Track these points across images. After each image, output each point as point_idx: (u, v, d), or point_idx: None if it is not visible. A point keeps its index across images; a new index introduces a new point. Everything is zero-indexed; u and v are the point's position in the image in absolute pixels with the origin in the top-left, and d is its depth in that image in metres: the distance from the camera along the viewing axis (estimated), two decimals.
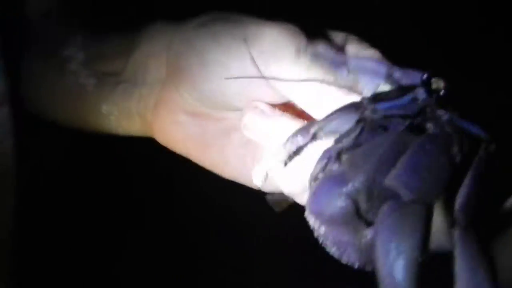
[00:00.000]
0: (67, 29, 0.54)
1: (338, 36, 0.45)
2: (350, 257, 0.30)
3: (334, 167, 0.31)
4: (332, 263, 0.31)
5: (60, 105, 0.54)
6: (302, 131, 0.36)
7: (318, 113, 0.38)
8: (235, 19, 0.44)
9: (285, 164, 0.37)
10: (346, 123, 0.33)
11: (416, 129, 0.31)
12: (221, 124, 0.46)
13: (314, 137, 0.35)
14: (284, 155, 0.36)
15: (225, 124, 0.46)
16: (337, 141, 0.33)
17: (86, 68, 0.52)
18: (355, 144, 0.31)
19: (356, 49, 0.42)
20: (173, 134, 0.47)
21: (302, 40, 0.40)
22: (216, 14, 0.46)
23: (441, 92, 0.31)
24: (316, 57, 0.38)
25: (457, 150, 0.28)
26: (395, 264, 0.25)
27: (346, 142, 0.32)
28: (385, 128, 0.32)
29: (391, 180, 0.27)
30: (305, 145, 0.35)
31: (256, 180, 0.40)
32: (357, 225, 0.29)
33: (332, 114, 0.34)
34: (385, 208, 0.27)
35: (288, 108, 0.44)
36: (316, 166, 0.32)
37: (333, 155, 0.32)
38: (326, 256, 0.31)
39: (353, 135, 0.32)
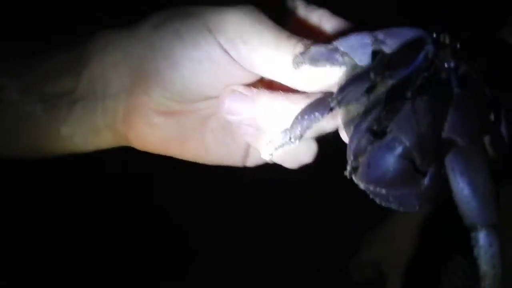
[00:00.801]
0: None
1: (300, 10, 0.48)
2: (411, 206, 0.33)
3: (373, 139, 0.34)
4: None
5: (7, 139, 0.49)
6: (318, 106, 0.37)
7: (295, 83, 0.41)
8: (192, 12, 0.43)
9: (300, 139, 0.38)
10: (359, 92, 0.35)
11: (433, 83, 0.34)
12: (195, 115, 0.47)
13: (331, 110, 0.36)
14: (300, 131, 0.37)
15: (199, 114, 0.47)
16: (364, 115, 0.35)
17: (28, 95, 0.47)
18: (384, 112, 0.34)
19: (330, 23, 0.45)
20: (151, 138, 0.46)
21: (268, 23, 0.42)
22: (168, 11, 0.45)
23: (453, 44, 0.34)
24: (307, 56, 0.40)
25: (488, 91, 0.32)
26: (478, 190, 0.29)
27: (375, 113, 0.34)
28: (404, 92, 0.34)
29: (448, 133, 0.31)
30: (322, 118, 0.37)
31: (264, 155, 0.41)
32: (414, 178, 0.32)
33: (346, 85, 0.36)
34: (450, 157, 0.31)
35: (258, 84, 0.46)
36: (353, 142, 0.34)
37: (367, 128, 0.34)
38: None
39: (379, 107, 0.34)
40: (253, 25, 0.41)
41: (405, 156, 0.32)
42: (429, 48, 0.34)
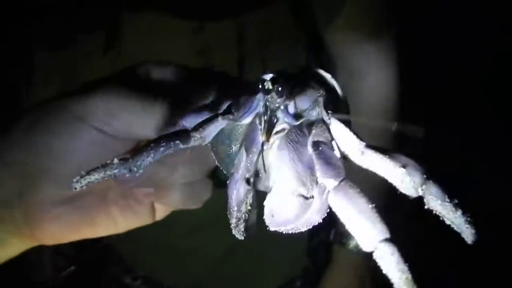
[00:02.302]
0: None
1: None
2: (315, 221, 0.38)
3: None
4: None
5: None
6: (178, 136, 0.39)
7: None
8: (59, 106, 0.45)
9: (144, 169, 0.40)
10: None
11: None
12: (92, 194, 0.48)
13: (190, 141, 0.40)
14: (152, 158, 0.38)
15: (96, 192, 0.48)
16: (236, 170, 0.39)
17: None
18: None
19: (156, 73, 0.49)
20: (59, 229, 0.47)
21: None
22: (35, 111, 0.46)
23: (275, 88, 0.39)
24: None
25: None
26: (365, 216, 0.34)
27: (243, 163, 0.39)
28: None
29: (320, 178, 0.37)
30: (183, 146, 0.39)
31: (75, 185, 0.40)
32: (307, 204, 0.38)
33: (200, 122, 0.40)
34: (331, 196, 0.36)
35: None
36: (234, 194, 0.39)
37: (241, 178, 0.39)
38: None
39: (247, 162, 0.39)
40: (118, 102, 0.44)
41: (294, 194, 0.38)
42: (259, 97, 0.40)
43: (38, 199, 0.45)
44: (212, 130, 0.40)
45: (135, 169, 0.37)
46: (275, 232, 0.37)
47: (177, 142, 0.38)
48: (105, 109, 0.44)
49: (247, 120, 0.41)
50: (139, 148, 0.38)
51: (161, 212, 0.51)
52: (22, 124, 0.46)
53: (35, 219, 0.46)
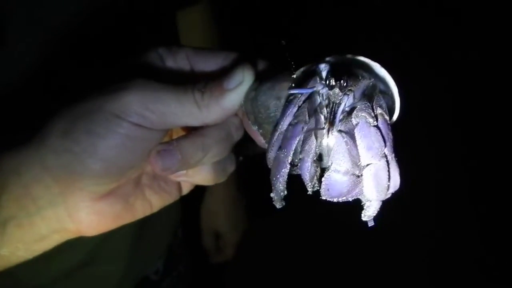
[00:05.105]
0: None
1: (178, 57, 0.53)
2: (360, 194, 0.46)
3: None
4: None
5: None
6: (281, 164, 0.47)
7: (205, 122, 0.49)
8: (91, 108, 0.46)
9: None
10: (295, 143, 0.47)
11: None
12: (128, 182, 0.51)
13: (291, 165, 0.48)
14: (282, 186, 0.48)
15: (130, 180, 0.51)
16: (306, 154, 0.46)
17: None
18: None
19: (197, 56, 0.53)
20: (102, 222, 0.50)
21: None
22: (65, 113, 0.47)
23: (338, 83, 0.46)
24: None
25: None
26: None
27: (314, 151, 0.46)
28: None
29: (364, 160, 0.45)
30: (289, 170, 0.48)
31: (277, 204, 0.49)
32: (358, 181, 0.45)
33: (286, 145, 0.47)
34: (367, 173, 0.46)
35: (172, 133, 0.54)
36: (305, 173, 0.46)
37: (311, 162, 0.46)
38: None
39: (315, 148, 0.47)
40: (152, 95, 0.46)
41: (348, 173, 0.45)
42: (323, 91, 0.47)
43: (82, 196, 0.47)
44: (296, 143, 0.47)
45: (282, 196, 0.48)
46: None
47: (284, 170, 0.47)
48: (140, 104, 0.46)
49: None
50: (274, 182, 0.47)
51: (186, 188, 0.55)
52: (56, 128, 0.46)
53: (79, 216, 0.48)
